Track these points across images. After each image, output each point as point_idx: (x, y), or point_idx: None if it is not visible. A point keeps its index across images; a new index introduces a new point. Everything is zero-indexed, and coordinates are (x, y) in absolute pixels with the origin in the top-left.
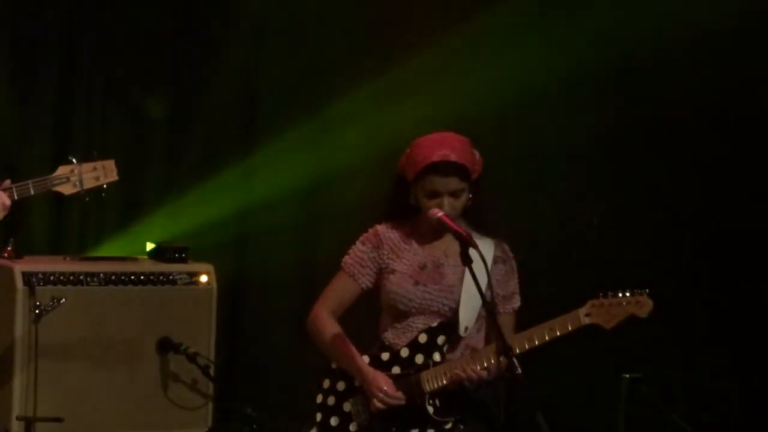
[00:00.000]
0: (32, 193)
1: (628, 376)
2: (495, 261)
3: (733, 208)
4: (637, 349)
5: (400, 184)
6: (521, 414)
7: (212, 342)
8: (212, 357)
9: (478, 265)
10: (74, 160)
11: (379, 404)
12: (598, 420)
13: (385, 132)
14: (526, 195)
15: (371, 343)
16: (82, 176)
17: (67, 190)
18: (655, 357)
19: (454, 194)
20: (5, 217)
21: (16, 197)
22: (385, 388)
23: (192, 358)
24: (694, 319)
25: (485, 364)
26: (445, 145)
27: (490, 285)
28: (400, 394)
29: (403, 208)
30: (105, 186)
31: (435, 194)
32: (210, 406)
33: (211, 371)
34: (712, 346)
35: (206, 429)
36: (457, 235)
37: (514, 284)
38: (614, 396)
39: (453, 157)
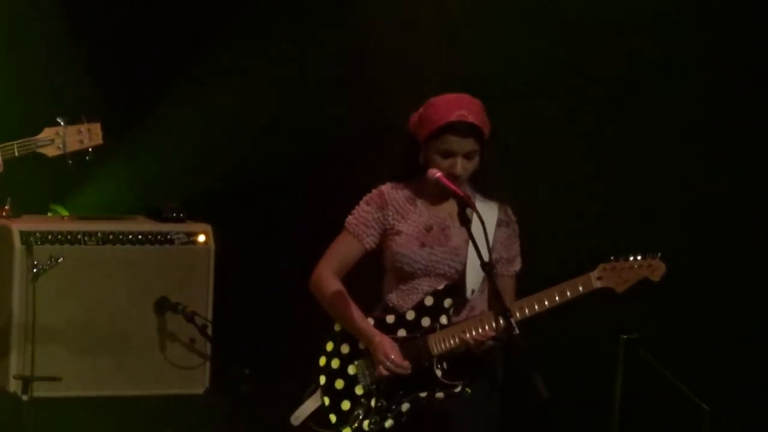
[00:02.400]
0: (16, 155)
1: (625, 336)
2: (498, 224)
3: (740, 175)
4: (636, 309)
5: (410, 144)
6: (519, 375)
7: (210, 302)
8: (210, 317)
9: (478, 228)
10: (61, 122)
11: (384, 372)
12: (596, 381)
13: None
14: (536, 158)
15: (373, 305)
16: (66, 139)
17: (50, 152)
18: (653, 318)
19: (468, 155)
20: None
21: (0, 159)
22: (392, 356)
23: (190, 317)
24: (695, 281)
25: (493, 327)
26: (462, 106)
27: (489, 247)
28: (406, 363)
29: (411, 169)
30: (90, 150)
31: (450, 154)
32: (207, 365)
33: (209, 331)
34: (713, 308)
35: (204, 389)
36: (455, 196)
37: (516, 247)
38: (612, 357)
39: (470, 119)
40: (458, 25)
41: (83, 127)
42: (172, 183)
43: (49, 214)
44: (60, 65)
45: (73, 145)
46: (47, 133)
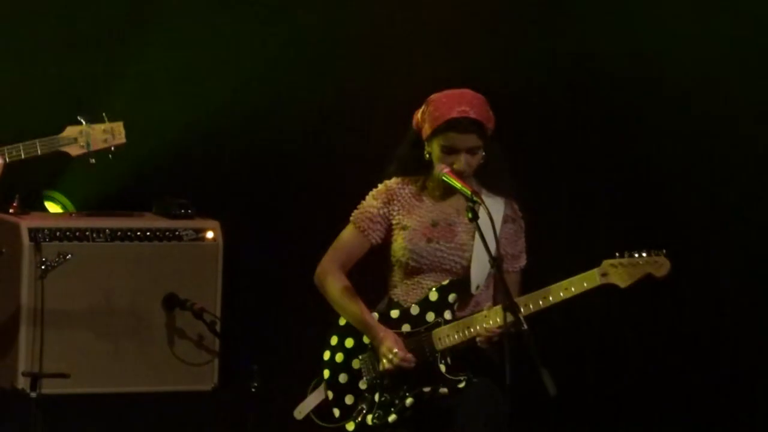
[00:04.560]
0: (39, 153)
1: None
2: (505, 220)
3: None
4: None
5: (415, 140)
6: (527, 371)
7: (218, 298)
8: (218, 313)
9: (486, 224)
10: (83, 121)
11: (388, 366)
12: (602, 375)
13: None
14: (541, 154)
15: (377, 299)
16: (91, 138)
17: (74, 151)
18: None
19: (471, 151)
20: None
21: (23, 156)
22: (396, 350)
23: (198, 314)
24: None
25: (499, 322)
26: (464, 102)
27: (497, 242)
28: (411, 356)
29: (416, 165)
30: (112, 148)
31: (452, 150)
32: (216, 362)
33: (217, 327)
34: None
35: (212, 385)
36: (464, 192)
37: (522, 243)
38: (622, 352)
39: (473, 114)
40: (458, 21)
41: (107, 126)
42: (180, 179)
43: (46, 202)
44: (67, 60)
45: (98, 144)
46: (70, 131)
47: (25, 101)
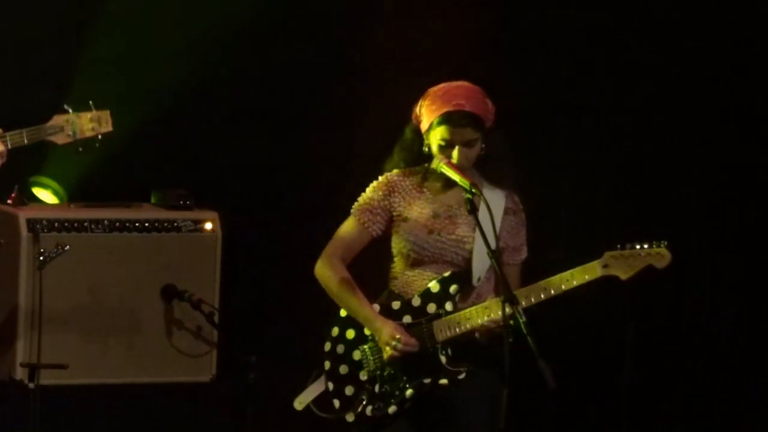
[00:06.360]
0: (26, 142)
1: (633, 324)
2: (506, 212)
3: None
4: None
5: (414, 133)
6: (525, 362)
7: (217, 289)
8: (216, 304)
9: (486, 215)
10: (69, 110)
11: (393, 352)
12: (603, 368)
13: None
14: (542, 146)
15: (379, 291)
16: (77, 126)
17: (60, 140)
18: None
19: (467, 144)
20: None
21: (9, 146)
22: (398, 336)
23: (196, 305)
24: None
25: (499, 314)
26: (459, 95)
27: (496, 235)
28: (413, 341)
29: (417, 157)
30: (99, 137)
31: (449, 144)
32: (214, 353)
33: (216, 318)
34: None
35: (210, 377)
36: (463, 184)
37: (522, 236)
38: (620, 344)
39: (467, 107)
40: (460, 15)
41: (94, 115)
42: (179, 169)
43: (34, 188)
44: (62, 49)
45: (85, 133)
46: (57, 120)
47: (9, 90)
